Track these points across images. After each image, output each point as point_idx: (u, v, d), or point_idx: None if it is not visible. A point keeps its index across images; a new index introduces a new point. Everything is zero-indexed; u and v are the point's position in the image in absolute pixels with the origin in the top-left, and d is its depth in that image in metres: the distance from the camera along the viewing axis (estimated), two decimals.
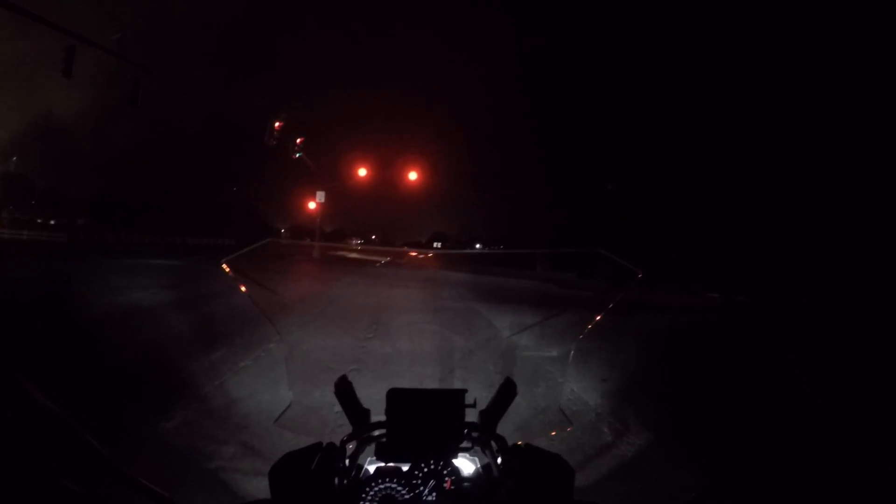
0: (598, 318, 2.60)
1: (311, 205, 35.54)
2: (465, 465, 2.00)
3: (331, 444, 1.81)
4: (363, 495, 1.77)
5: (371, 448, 1.96)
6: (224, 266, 2.17)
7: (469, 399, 1.95)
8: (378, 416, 1.97)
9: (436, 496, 1.81)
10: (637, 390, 7.40)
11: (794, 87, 22.73)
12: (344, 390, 2.02)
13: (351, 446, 1.92)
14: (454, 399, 1.94)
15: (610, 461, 5.12)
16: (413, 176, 29.25)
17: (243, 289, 2.34)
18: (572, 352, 7.62)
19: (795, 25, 22.43)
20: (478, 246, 42.84)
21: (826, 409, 7.00)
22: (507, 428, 2.00)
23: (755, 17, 22.80)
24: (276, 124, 22.59)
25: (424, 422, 1.90)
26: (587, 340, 9.27)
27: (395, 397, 1.90)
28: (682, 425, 6.14)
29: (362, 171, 30.25)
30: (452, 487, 1.83)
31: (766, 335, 13.09)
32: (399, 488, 1.80)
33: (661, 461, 5.15)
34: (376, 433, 1.98)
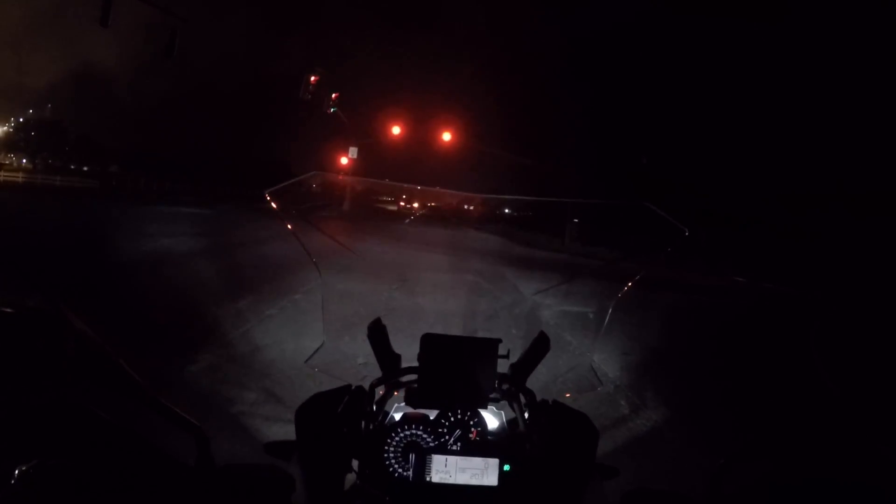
0: (638, 277, 2.53)
1: (344, 160, 35.49)
2: (491, 417, 2.00)
3: (359, 388, 1.84)
4: (388, 440, 1.78)
5: (400, 395, 1.97)
6: (266, 196, 2.16)
7: (503, 350, 1.94)
8: (408, 362, 1.97)
9: (460, 446, 1.82)
10: (657, 366, 7.38)
11: (794, 85, 22.25)
12: (376, 333, 2.02)
13: (379, 391, 1.93)
14: (488, 348, 1.92)
15: (624, 433, 5.14)
16: (447, 137, 28.96)
17: (289, 226, 2.33)
18: (610, 310, 7.62)
19: (795, 25, 21.86)
20: (507, 211, 42.55)
21: (840, 399, 6.95)
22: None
23: (755, 18, 22.25)
24: (312, 78, 22.48)
25: (457, 369, 1.89)
26: (611, 313, 9.23)
27: (429, 343, 1.89)
28: (698, 405, 6.12)
29: (396, 129, 30.00)
30: (477, 438, 1.84)
31: (788, 323, 12.95)
32: (424, 435, 1.81)
33: (674, 438, 5.15)
34: (406, 378, 1.98)
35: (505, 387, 2.00)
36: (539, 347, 2.07)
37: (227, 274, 10.28)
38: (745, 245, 23.12)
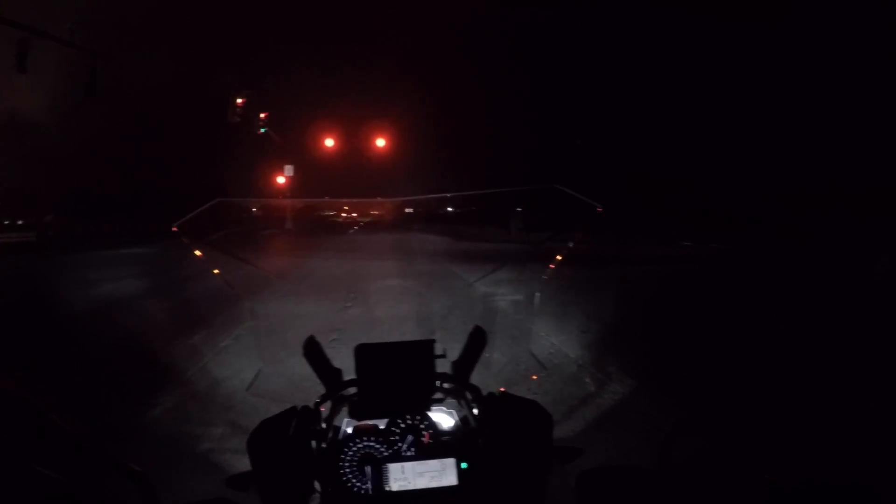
0: (560, 258, 2.56)
1: (281, 179, 35.15)
2: (444, 418, 1.99)
3: (305, 408, 1.82)
4: (342, 456, 1.77)
5: (347, 408, 1.95)
6: (174, 228, 2.12)
7: (438, 349, 1.95)
8: (351, 375, 1.95)
9: (415, 451, 1.81)
10: (617, 340, 7.50)
11: (795, 85, 22.75)
12: (312, 351, 2.01)
13: (326, 408, 1.91)
14: (423, 350, 1.93)
15: (594, 410, 5.20)
16: (381, 143, 28.93)
17: (216, 270, 2.30)
18: (538, 294, 7.70)
19: (795, 25, 22.33)
20: (449, 209, 42.63)
21: (796, 339, 7.15)
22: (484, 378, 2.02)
23: (754, 16, 22.65)
24: (239, 101, 22.25)
25: (395, 375, 1.90)
26: (564, 294, 9.35)
27: (364, 353, 1.89)
28: (663, 372, 6.23)
29: (329, 142, 29.84)
30: (431, 441, 1.83)
31: (737, 279, 13.27)
32: (377, 446, 1.80)
33: (644, 407, 5.23)
34: (349, 392, 1.97)
35: (448, 385, 2.00)
36: (476, 342, 2.08)
37: (177, 310, 10.08)
38: (688, 214, 23.60)
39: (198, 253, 2.22)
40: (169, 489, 1.32)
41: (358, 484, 1.74)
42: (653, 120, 26.38)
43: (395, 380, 1.90)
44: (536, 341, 7.43)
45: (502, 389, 1.90)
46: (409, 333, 7.73)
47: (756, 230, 21.15)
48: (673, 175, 25.42)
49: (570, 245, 2.70)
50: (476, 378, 2.02)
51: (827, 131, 21.83)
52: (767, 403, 1.37)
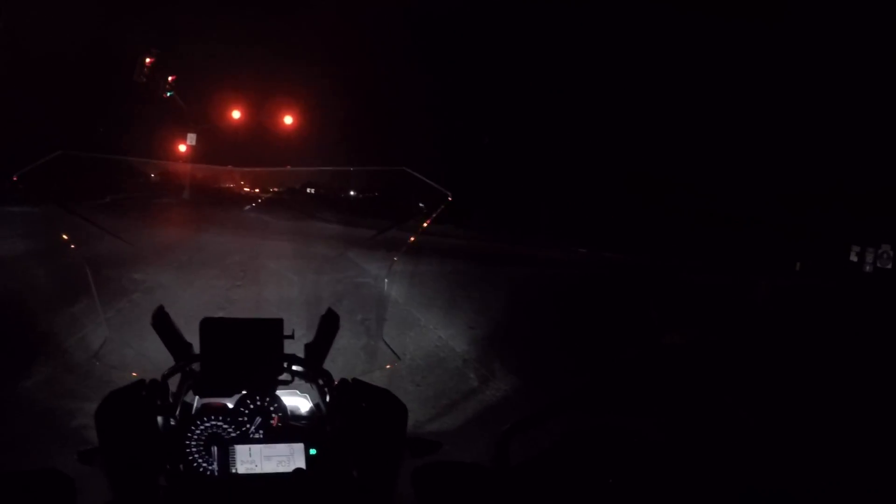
0: (413, 238, 2.62)
1: (182, 147, 33.85)
2: (297, 402, 2.00)
3: (153, 381, 1.76)
4: (189, 434, 1.73)
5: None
6: (14, 178, 2.02)
7: (287, 330, 1.93)
8: None
9: (263, 433, 1.80)
10: (504, 338, 7.64)
11: (794, 85, 23.19)
12: (162, 322, 1.95)
13: (174, 382, 1.85)
14: (270, 328, 1.90)
15: (475, 405, 5.33)
16: (288, 120, 28.33)
17: (64, 236, 2.19)
18: (386, 280, 7.80)
19: (795, 24, 22.78)
20: (352, 193, 42.20)
21: (677, 348, 7.50)
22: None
23: (754, 16, 22.96)
24: (147, 60, 21.34)
25: (240, 352, 1.85)
26: (456, 289, 9.49)
27: (209, 327, 1.85)
28: (545, 371, 6.43)
29: (236, 114, 28.99)
30: (280, 424, 1.82)
31: (628, 286, 13.74)
32: (224, 426, 1.77)
33: (524, 405, 5.39)
34: (196, 366, 1.91)
35: (297, 368, 1.96)
36: (328, 326, 2.07)
37: (59, 276, 9.61)
38: (590, 219, 24.06)
39: (66, 234, 2.11)
40: (32, 463, 1.31)
41: (204, 464, 1.71)
42: (560, 109, 26.66)
43: (239, 357, 1.85)
44: (424, 334, 7.53)
45: (352, 378, 1.89)
46: (296, 316, 7.66)
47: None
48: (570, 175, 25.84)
49: (412, 239, 2.76)
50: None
51: (805, 131, 22.38)
52: (621, 405, 1.47)
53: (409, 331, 7.57)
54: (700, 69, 23.39)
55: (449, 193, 2.40)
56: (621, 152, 25.36)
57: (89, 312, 7.36)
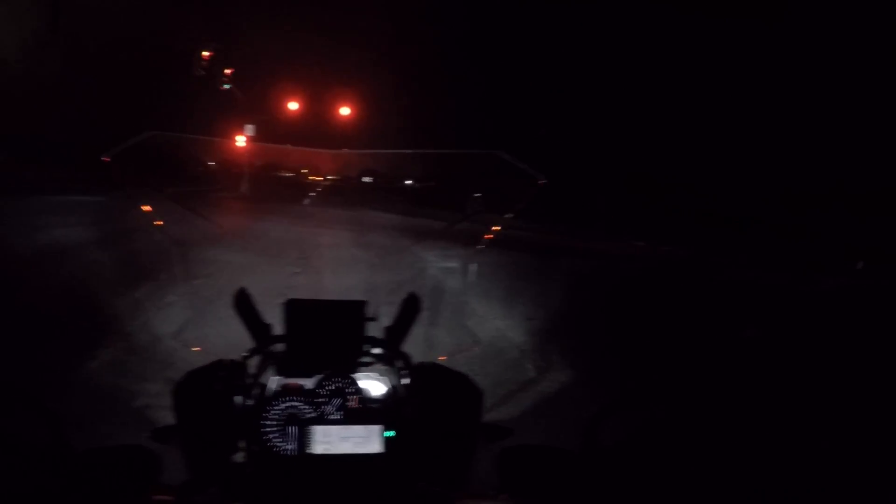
0: (497, 228, 2.56)
1: (241, 138, 34.49)
2: (374, 384, 1.96)
3: (232, 361, 1.79)
4: (266, 414, 1.74)
5: (275, 365, 1.92)
6: (105, 159, 2.05)
7: (370, 312, 1.94)
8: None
9: (341, 415, 1.79)
10: (562, 330, 7.56)
11: (794, 84, 22.86)
12: (243, 303, 1.98)
13: (254, 363, 1.88)
14: (354, 310, 1.92)
15: (533, 396, 5.28)
16: (345, 111, 28.61)
17: (159, 222, 2.23)
18: (471, 265, 7.76)
19: (795, 24, 22.43)
20: (408, 182, 42.32)
21: (739, 342, 7.31)
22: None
23: (754, 15, 22.65)
24: (205, 54, 21.77)
25: (323, 333, 1.87)
26: (514, 280, 9.42)
27: (294, 308, 1.87)
28: (603, 364, 6.33)
29: (293, 105, 29.40)
30: (358, 406, 1.81)
31: (686, 282, 13.51)
32: (303, 406, 1.77)
33: (581, 397, 5.31)
34: (277, 348, 1.94)
35: (379, 351, 1.98)
36: (410, 309, 2.07)
37: (124, 262, 9.86)
38: (650, 212, 23.78)
39: (145, 208, 2.16)
40: (100, 441, 1.31)
41: (281, 444, 1.71)
42: (622, 111, 26.45)
43: (323, 338, 1.87)
44: (481, 324, 7.48)
45: (442, 358, 1.89)
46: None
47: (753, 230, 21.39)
48: (644, 170, 25.59)
49: (497, 228, 2.68)
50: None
51: (816, 131, 22.07)
52: (692, 395, 1.42)
53: (467, 321, 7.52)
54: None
55: (542, 178, 2.33)
56: (675, 145, 24.96)
57: (152, 296, 7.53)
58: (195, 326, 6.40)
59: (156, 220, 2.21)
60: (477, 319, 7.71)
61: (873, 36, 20.49)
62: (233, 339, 4.92)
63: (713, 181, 24.34)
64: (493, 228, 2.61)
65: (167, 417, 4.09)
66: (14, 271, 8.86)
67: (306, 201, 26.20)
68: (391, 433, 1.76)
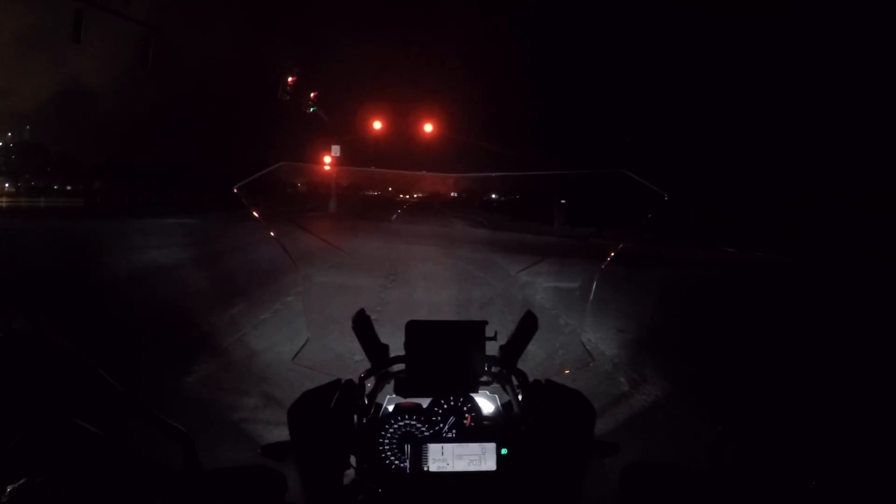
0: (622, 245, 2.49)
1: (327, 159, 35.40)
2: (486, 401, 1.96)
3: (349, 382, 1.80)
4: (382, 433, 1.74)
5: (391, 385, 1.93)
6: (235, 190, 2.14)
7: (489, 332, 1.90)
8: (397, 352, 1.92)
9: (456, 433, 1.78)
10: (654, 342, 7.39)
11: (794, 84, 22.27)
12: (361, 325, 1.99)
13: (370, 383, 1.89)
14: (475, 331, 1.89)
15: (626, 410, 5.15)
16: (429, 128, 28.92)
17: (272, 233, 2.30)
18: (595, 282, 7.61)
19: (795, 24, 21.85)
20: (493, 196, 42.54)
21: (832, 358, 6.97)
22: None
23: (755, 16, 22.19)
24: (290, 79, 22.45)
25: (444, 354, 1.86)
26: (603, 291, 9.25)
27: (415, 330, 1.86)
28: (698, 378, 6.12)
29: (377, 125, 29.99)
30: (472, 424, 1.79)
31: (782, 290, 12.99)
32: (418, 425, 1.77)
33: (677, 411, 5.16)
34: (395, 368, 1.95)
35: (495, 369, 1.96)
36: (527, 327, 2.03)
37: (217, 281, 10.23)
38: (736, 219, 23.25)
39: (255, 214, 2.23)
40: (202, 455, 1.33)
41: (396, 462, 1.72)
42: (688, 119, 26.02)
43: (444, 359, 1.86)
44: (573, 337, 7.37)
45: (545, 379, 1.87)
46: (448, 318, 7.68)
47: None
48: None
49: (620, 246, 2.61)
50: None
51: (829, 131, 21.41)
52: (809, 412, 1.34)
53: (559, 334, 7.43)
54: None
55: (665, 194, 2.29)
56: (761, 150, 24.33)
57: (247, 314, 7.75)
58: (289, 342, 6.55)
59: (270, 232, 2.28)
60: (569, 332, 7.60)
61: (873, 36, 19.63)
62: (331, 352, 5.01)
63: (713, 181, 23.67)
64: (619, 247, 2.55)
65: (265, 432, 4.18)
66: (112, 290, 9.32)
67: (393, 217, 26.53)
68: (506, 451, 1.74)
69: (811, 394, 1.35)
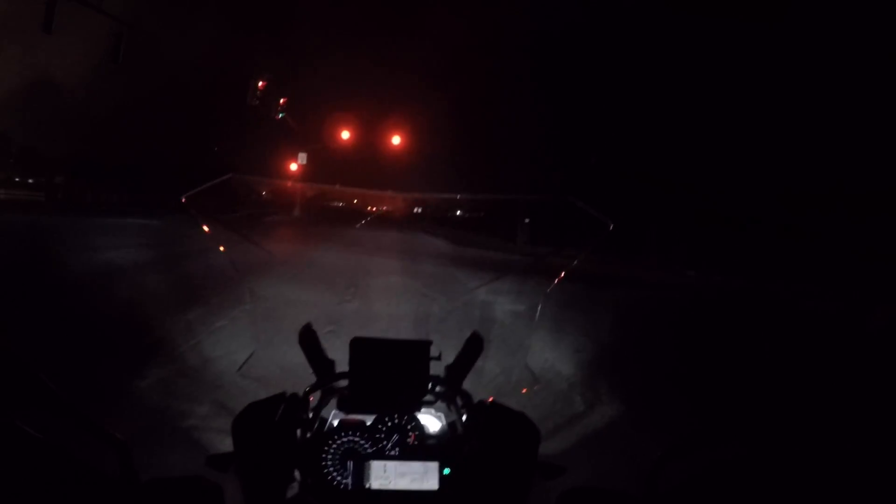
0: (564, 273, 2.54)
1: (293, 166, 35.25)
2: (431, 420, 1.98)
3: (294, 395, 1.80)
4: (326, 448, 1.76)
5: (336, 400, 1.93)
6: (183, 199, 2.13)
7: (434, 352, 1.92)
8: (344, 367, 1.92)
9: (399, 451, 1.80)
10: (611, 362, 7.45)
11: (794, 85, 22.72)
12: (308, 338, 1.99)
13: (315, 398, 1.90)
14: (419, 350, 1.91)
15: (581, 430, 5.18)
16: (396, 140, 29.01)
17: (212, 236, 2.28)
18: (539, 307, 7.64)
19: (795, 24, 22.32)
20: (458, 212, 42.68)
21: (792, 386, 7.13)
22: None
23: (753, 16, 22.62)
24: (260, 84, 22.31)
25: (388, 372, 1.87)
26: (563, 310, 9.32)
27: (359, 346, 1.87)
28: (654, 398, 6.19)
29: (345, 134, 29.96)
30: (416, 442, 1.82)
31: (739, 313, 13.22)
32: (362, 441, 1.79)
33: (631, 431, 5.21)
34: (340, 384, 1.95)
35: (440, 389, 1.98)
36: (472, 348, 2.06)
37: (175, 285, 10.07)
38: (699, 239, 23.55)
39: (205, 228, 2.21)
40: (149, 461, 1.32)
41: (338, 478, 1.73)
42: (661, 124, 26.32)
43: (387, 377, 1.87)
44: (529, 355, 7.40)
45: (490, 399, 1.89)
46: (405, 333, 7.70)
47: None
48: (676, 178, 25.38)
49: (575, 262, 2.66)
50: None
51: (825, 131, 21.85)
52: (755, 435, 1.36)
53: (516, 352, 7.45)
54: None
55: (611, 223, 2.34)
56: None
57: (204, 320, 7.65)
58: (244, 350, 6.47)
59: (219, 246, 2.27)
60: (524, 350, 7.64)
61: (873, 36, 20.21)
62: (285, 362, 4.96)
63: (713, 181, 24.09)
64: (562, 274, 2.60)
65: (216, 441, 4.12)
66: (70, 289, 9.13)
67: (358, 226, 26.48)
68: (448, 470, 1.76)
69: (763, 418, 1.38)
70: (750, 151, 23.64)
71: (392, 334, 7.38)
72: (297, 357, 2.02)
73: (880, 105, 20.33)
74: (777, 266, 19.65)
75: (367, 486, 1.72)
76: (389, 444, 1.81)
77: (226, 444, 3.96)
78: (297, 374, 2.17)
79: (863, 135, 21.08)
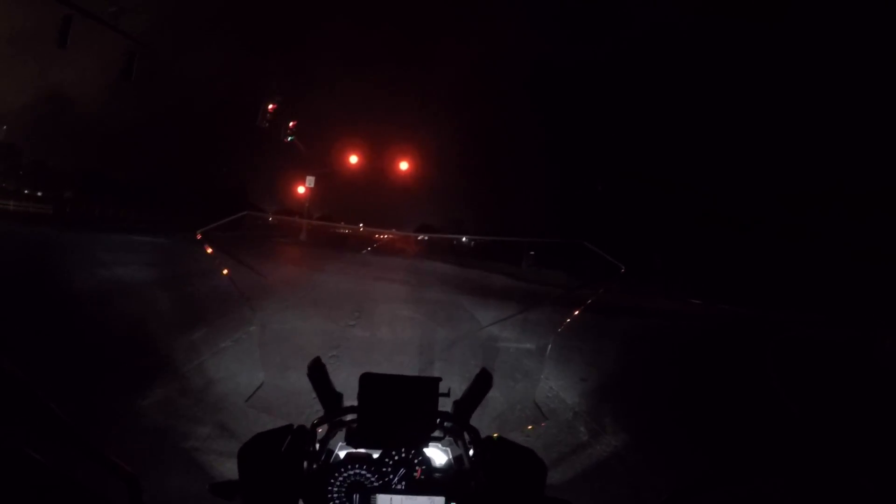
0: (577, 312, 2.54)
1: (301, 189, 35.46)
2: (437, 455, 1.97)
3: (301, 427, 1.79)
4: (332, 480, 1.75)
5: (343, 433, 1.93)
6: (198, 235, 2.14)
7: (443, 388, 1.92)
8: (352, 400, 1.92)
9: (405, 485, 1.79)
10: (616, 392, 7.42)
11: (794, 85, 22.81)
12: (317, 372, 1.98)
13: (322, 430, 1.89)
14: (428, 387, 1.90)
15: (585, 460, 5.14)
16: (404, 166, 29.24)
17: (225, 271, 2.30)
18: (549, 346, 7.61)
19: (795, 25, 22.49)
20: (464, 239, 42.79)
21: (800, 417, 7.10)
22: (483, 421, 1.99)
23: (753, 17, 22.82)
24: (270, 106, 22.48)
25: (397, 408, 1.87)
26: (568, 339, 9.28)
27: (368, 382, 1.86)
28: (658, 429, 6.16)
29: (353, 159, 30.24)
30: (422, 477, 1.81)
31: (744, 343, 13.17)
32: (368, 475, 1.78)
33: (635, 463, 5.17)
34: (348, 418, 1.95)
35: (448, 424, 1.98)
36: (481, 384, 2.05)
37: (181, 305, 10.08)
38: (704, 268, 23.53)
39: (209, 250, 2.22)
40: (148, 484, 1.31)
41: None
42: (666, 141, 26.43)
43: (396, 413, 1.87)
44: (534, 384, 7.38)
45: (496, 434, 1.88)
46: (409, 362, 7.67)
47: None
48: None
49: (568, 320, 2.68)
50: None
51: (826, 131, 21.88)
52: (763, 472, 1.36)
53: (521, 381, 7.42)
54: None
55: (623, 266, 2.35)
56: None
57: (208, 341, 7.64)
58: (249, 372, 6.46)
59: (223, 269, 2.28)
60: (530, 379, 7.61)
61: (873, 36, 20.33)
62: (287, 387, 4.95)
63: (713, 181, 24.11)
64: (575, 313, 2.63)
65: (217, 464, 4.10)
66: (75, 304, 9.15)
67: (363, 252, 26.55)
68: None
69: (774, 456, 1.37)
70: (750, 151, 23.72)
71: (396, 363, 7.41)
72: (302, 384, 2.01)
73: (880, 105, 20.41)
74: (782, 294, 19.62)
75: None
76: (396, 478, 1.80)
77: (226, 468, 3.96)
78: (299, 401, 2.16)
79: (863, 134, 21.15)
